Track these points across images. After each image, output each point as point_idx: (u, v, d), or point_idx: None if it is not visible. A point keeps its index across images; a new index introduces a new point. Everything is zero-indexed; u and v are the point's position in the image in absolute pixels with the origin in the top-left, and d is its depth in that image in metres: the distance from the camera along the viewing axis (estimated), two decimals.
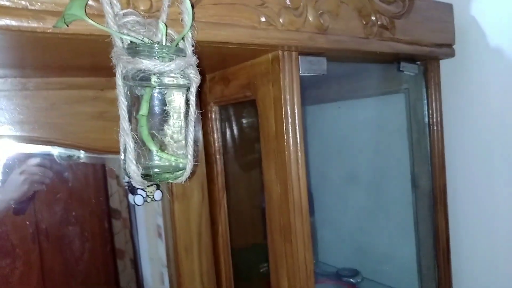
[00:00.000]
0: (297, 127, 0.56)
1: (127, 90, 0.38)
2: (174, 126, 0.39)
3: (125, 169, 0.39)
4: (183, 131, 0.39)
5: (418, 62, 0.80)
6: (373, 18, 0.63)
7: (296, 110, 0.56)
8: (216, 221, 0.78)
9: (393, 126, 0.90)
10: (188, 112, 0.39)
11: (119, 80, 0.37)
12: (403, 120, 0.87)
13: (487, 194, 0.81)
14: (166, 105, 0.39)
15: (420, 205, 0.84)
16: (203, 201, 0.76)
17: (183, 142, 0.40)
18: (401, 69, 0.75)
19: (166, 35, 0.37)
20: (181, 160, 0.40)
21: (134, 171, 0.37)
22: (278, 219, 0.59)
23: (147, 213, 0.82)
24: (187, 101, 0.40)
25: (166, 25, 0.37)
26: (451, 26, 0.78)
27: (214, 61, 0.63)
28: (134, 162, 0.37)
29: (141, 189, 0.70)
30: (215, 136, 0.76)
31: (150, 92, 0.39)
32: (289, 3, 0.53)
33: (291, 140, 0.56)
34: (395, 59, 0.75)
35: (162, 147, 0.40)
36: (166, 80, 0.38)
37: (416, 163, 0.84)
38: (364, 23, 0.62)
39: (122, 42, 0.38)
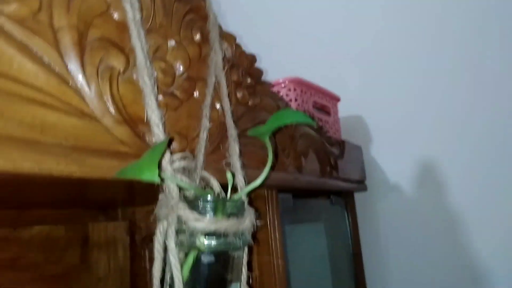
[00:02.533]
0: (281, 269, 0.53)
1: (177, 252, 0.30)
2: None
3: None
4: None
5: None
6: (326, 159, 0.68)
7: (279, 255, 0.53)
8: None
9: (315, 254, 0.93)
10: (239, 276, 0.33)
11: (171, 242, 0.29)
12: (324, 249, 0.90)
13: None
14: (211, 271, 0.32)
15: None
16: None
17: None
18: (333, 202, 0.80)
19: (232, 185, 0.32)
20: None
21: None
22: None
23: None
24: (236, 262, 0.33)
25: (233, 174, 0.33)
26: (363, 165, 0.90)
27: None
28: None
29: None
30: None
31: (193, 256, 0.32)
32: (279, 145, 0.53)
33: None
34: (326, 193, 0.80)
35: None
36: (218, 241, 0.31)
37: None
38: (320, 164, 0.66)
39: (180, 191, 0.31)
